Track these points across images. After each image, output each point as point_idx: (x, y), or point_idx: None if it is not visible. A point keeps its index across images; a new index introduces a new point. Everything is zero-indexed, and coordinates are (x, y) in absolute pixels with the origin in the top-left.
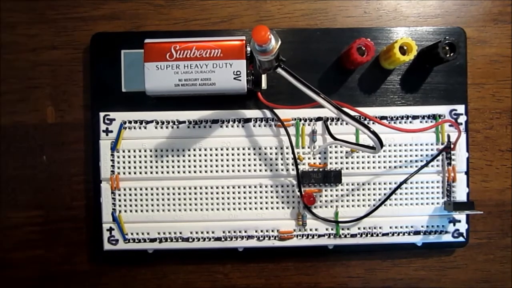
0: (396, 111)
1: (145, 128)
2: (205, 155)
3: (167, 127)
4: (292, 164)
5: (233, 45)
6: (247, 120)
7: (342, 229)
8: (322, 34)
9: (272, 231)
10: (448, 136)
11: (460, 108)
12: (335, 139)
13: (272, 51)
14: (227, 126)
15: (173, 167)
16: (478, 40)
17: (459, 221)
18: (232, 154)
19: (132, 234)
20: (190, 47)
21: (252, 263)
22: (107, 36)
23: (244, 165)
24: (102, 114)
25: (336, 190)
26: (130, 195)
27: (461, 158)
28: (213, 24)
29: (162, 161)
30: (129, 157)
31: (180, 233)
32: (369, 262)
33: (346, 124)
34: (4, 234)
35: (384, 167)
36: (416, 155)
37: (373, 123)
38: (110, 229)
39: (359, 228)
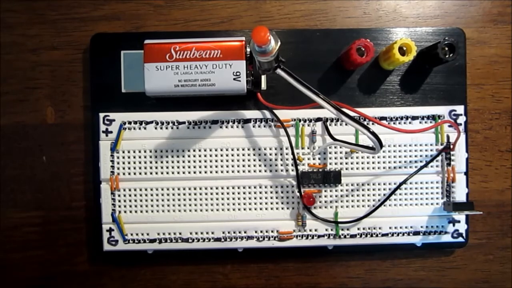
0: (396, 111)
1: (145, 128)
2: (205, 155)
3: (166, 128)
4: (292, 165)
5: (233, 45)
6: (247, 121)
7: (342, 229)
8: (322, 34)
9: (272, 231)
10: (448, 137)
11: (460, 109)
12: (334, 139)
13: (272, 52)
14: (226, 127)
15: (172, 167)
16: (477, 41)
17: (459, 221)
18: (232, 155)
19: (131, 234)
20: (189, 47)
21: (252, 263)
22: (107, 37)
23: (243, 166)
24: (102, 115)
25: (336, 191)
26: (130, 195)
27: (460, 159)
28: (212, 25)
29: (161, 162)
30: (129, 157)
31: (180, 233)
32: (369, 262)
33: (346, 124)
34: (4, 235)
35: (384, 168)
36: (415, 156)
37: (372, 124)
38: (110, 230)
39: (358, 229)
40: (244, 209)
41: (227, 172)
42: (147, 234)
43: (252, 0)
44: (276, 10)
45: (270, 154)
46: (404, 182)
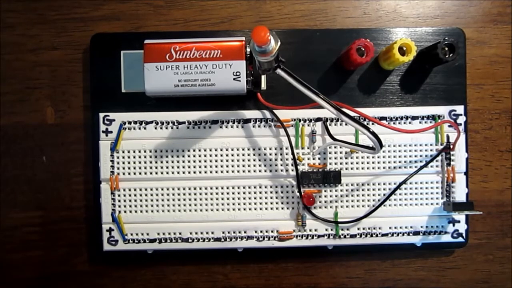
0: (396, 111)
1: (144, 128)
2: (205, 155)
3: (166, 128)
4: (292, 165)
5: (233, 45)
6: (247, 121)
7: (342, 229)
8: (322, 34)
9: (272, 231)
10: (448, 137)
11: (460, 109)
12: (334, 139)
13: (272, 52)
14: (226, 127)
15: (172, 167)
16: (477, 41)
17: (459, 221)
18: (232, 155)
19: (131, 234)
20: (189, 47)
21: (251, 263)
22: (107, 37)
23: (243, 166)
24: (101, 115)
25: (336, 191)
26: (130, 195)
27: (460, 159)
28: (212, 25)
29: (161, 162)
30: (128, 157)
31: (180, 233)
32: (369, 262)
33: (346, 124)
34: (4, 235)
35: (384, 168)
36: (415, 156)
37: (372, 124)
38: (110, 230)
39: (358, 229)
40: (244, 209)
41: (227, 172)
42: (147, 234)
43: (252, 0)
44: (276, 10)
45: (270, 154)
46: (404, 182)
